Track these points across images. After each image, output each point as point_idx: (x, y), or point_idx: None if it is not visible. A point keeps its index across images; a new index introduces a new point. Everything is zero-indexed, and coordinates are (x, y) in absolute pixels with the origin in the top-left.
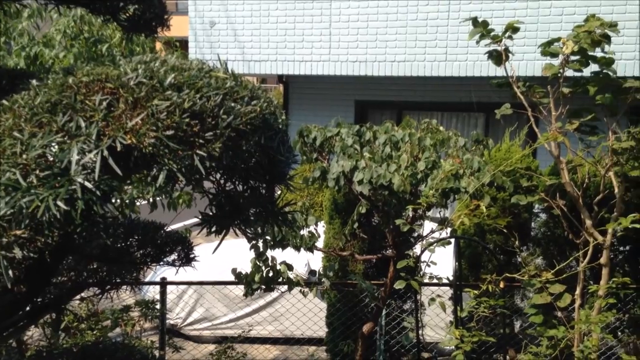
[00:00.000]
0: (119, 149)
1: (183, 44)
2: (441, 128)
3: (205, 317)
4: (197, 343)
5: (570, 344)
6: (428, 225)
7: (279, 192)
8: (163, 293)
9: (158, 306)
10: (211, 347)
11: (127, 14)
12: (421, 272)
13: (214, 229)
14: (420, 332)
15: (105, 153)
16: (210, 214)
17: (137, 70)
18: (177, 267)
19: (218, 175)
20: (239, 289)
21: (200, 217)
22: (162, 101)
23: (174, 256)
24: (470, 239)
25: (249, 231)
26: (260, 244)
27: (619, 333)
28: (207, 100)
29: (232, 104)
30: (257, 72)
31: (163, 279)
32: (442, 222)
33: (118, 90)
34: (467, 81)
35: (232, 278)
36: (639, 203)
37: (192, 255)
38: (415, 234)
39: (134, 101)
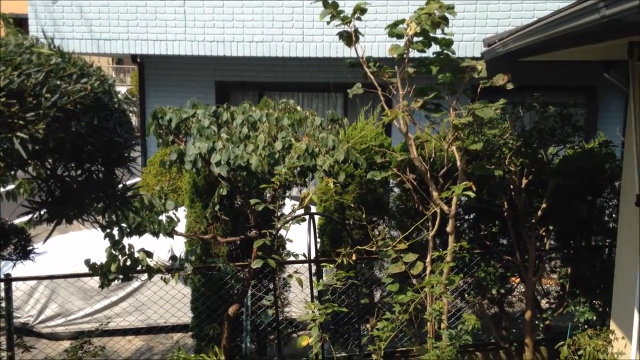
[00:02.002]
0: None
1: (24, 22)
2: (298, 108)
3: (59, 313)
4: (52, 340)
5: (421, 308)
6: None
7: (138, 177)
8: (8, 290)
9: (3, 304)
10: (67, 344)
11: None
12: (285, 251)
13: (45, 217)
14: (280, 309)
15: None
16: (40, 200)
17: None
18: (13, 261)
19: (50, 159)
20: (95, 281)
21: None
22: None
23: (9, 249)
24: (322, 214)
25: (86, 218)
26: (116, 231)
27: (466, 295)
28: (26, 78)
29: (58, 82)
30: (107, 52)
31: (7, 275)
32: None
33: None
34: (325, 62)
35: (87, 270)
36: (480, 174)
37: (29, 248)
38: (279, 214)
39: None
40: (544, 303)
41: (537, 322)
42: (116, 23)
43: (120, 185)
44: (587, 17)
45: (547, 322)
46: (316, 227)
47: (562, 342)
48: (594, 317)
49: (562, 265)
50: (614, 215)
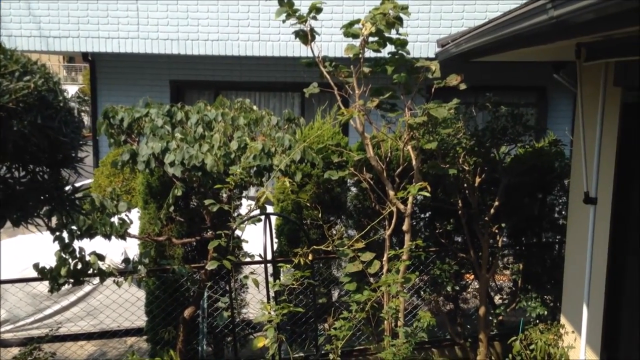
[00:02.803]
0: None
1: None
2: (255, 107)
3: (7, 319)
4: (0, 347)
5: (378, 306)
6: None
7: (90, 179)
8: None
9: None
10: (16, 351)
11: None
12: (242, 251)
13: None
14: (237, 310)
15: None
16: None
17: None
18: None
19: None
20: (45, 286)
21: None
22: None
23: None
24: (278, 214)
25: (30, 222)
26: (65, 234)
27: (422, 292)
28: None
29: None
30: (57, 50)
31: None
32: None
33: None
34: (282, 61)
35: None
36: (435, 173)
37: None
38: (236, 214)
39: None
40: (497, 299)
41: (490, 317)
42: (66, 20)
43: (69, 187)
44: (535, 18)
45: (501, 317)
46: (273, 227)
47: (515, 337)
48: (545, 312)
49: (514, 261)
50: (563, 212)
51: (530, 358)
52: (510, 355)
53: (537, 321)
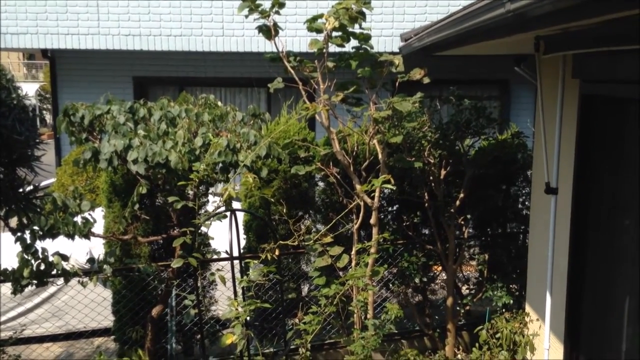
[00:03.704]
0: None
1: None
2: (219, 103)
3: None
4: None
5: (347, 300)
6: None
7: (53, 179)
8: None
9: None
10: None
11: None
12: (210, 248)
13: None
14: (206, 308)
15: None
16: None
17: None
18: None
19: None
20: (8, 287)
21: None
22: None
23: None
24: (244, 210)
25: None
26: (27, 235)
27: (391, 285)
28: None
29: None
30: (15, 47)
31: None
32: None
33: None
34: (247, 56)
35: None
36: (401, 167)
37: None
38: (202, 211)
39: None
40: (464, 289)
41: (458, 308)
42: (24, 16)
43: (31, 187)
44: (493, 12)
45: (468, 307)
46: (241, 224)
47: (481, 327)
48: (511, 301)
49: (480, 252)
50: (527, 203)
51: (497, 346)
52: (477, 344)
53: (503, 310)
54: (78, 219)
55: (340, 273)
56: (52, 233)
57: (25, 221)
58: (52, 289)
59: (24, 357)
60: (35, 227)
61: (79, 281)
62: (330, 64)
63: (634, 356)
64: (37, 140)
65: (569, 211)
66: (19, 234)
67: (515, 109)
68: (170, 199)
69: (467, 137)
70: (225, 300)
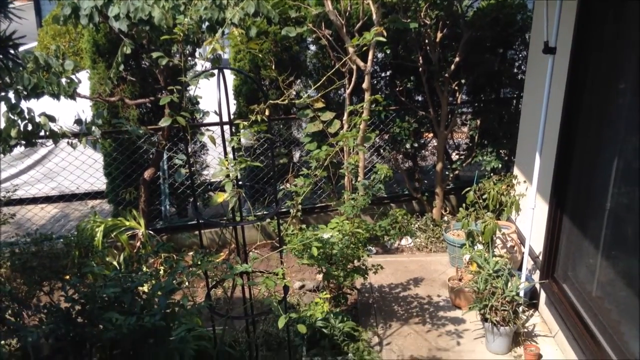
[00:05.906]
0: None
1: None
2: None
3: None
4: None
5: (338, 164)
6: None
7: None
8: None
9: None
10: None
11: None
12: (197, 107)
13: None
14: (199, 171)
15: None
16: None
17: None
18: None
19: None
20: None
21: None
22: None
23: None
24: (232, 69)
25: None
26: (12, 94)
27: (382, 151)
28: None
29: None
30: None
31: None
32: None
33: None
34: None
35: None
36: (395, 29)
37: None
38: (191, 73)
39: None
40: (454, 155)
41: (447, 173)
42: None
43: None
44: None
45: (457, 172)
46: (231, 88)
47: (469, 188)
48: (500, 165)
49: (472, 118)
50: (523, 67)
51: (483, 207)
52: (464, 205)
53: (492, 174)
54: (63, 80)
55: (332, 139)
56: (36, 92)
57: (8, 80)
58: (42, 151)
59: (20, 216)
60: (19, 87)
61: (68, 142)
62: None
63: (619, 213)
64: None
65: (566, 71)
66: (2, 93)
67: None
68: (155, 54)
69: None
70: (216, 165)
